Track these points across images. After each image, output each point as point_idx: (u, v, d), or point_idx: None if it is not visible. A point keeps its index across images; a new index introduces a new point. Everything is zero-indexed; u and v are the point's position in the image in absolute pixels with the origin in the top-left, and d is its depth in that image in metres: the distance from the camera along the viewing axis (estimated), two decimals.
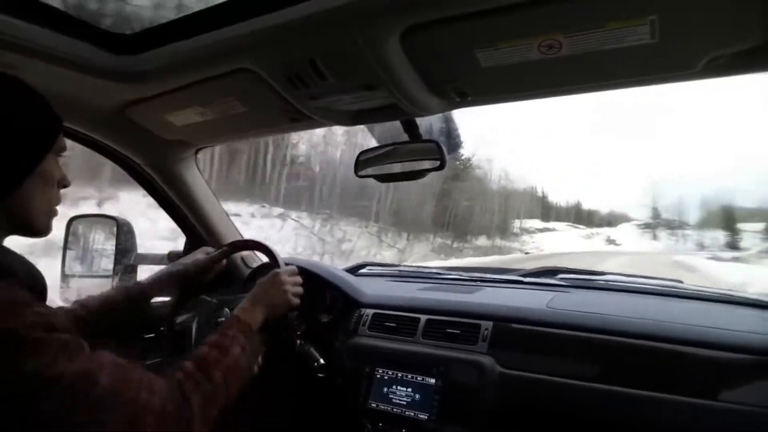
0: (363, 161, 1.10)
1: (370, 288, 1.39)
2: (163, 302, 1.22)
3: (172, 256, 1.55)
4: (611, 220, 71.28)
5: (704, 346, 0.90)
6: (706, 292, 1.22)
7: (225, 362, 0.78)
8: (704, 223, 60.11)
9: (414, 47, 0.72)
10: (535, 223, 49.56)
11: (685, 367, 0.90)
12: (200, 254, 1.20)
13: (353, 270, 1.69)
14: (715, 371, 0.88)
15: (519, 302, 1.19)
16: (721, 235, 54.78)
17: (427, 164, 1.02)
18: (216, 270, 1.20)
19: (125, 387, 0.60)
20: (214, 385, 0.74)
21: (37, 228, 0.68)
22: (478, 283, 1.44)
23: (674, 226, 59.07)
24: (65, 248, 1.41)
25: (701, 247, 50.49)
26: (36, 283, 0.65)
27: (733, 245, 51.42)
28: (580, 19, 0.62)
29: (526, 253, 32.26)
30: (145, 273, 1.49)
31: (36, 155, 0.65)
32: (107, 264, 1.44)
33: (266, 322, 0.93)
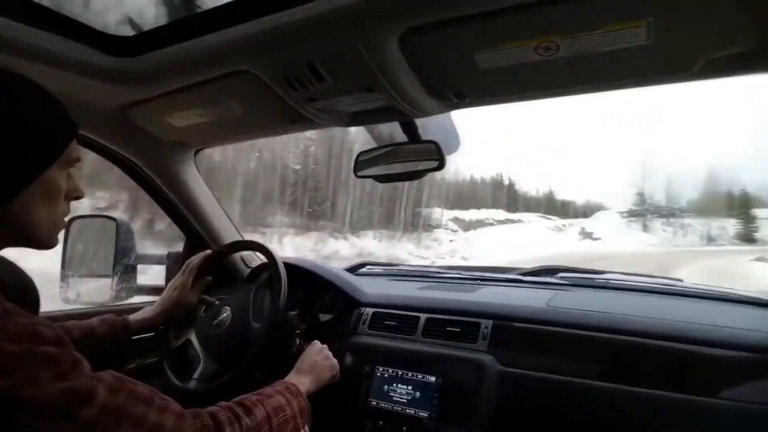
0: (362, 162, 1.10)
1: (370, 287, 1.40)
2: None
3: (171, 257, 1.55)
4: (586, 211, 60.61)
5: (705, 344, 0.91)
6: (706, 290, 1.22)
7: (268, 404, 0.73)
8: (704, 210, 48.68)
9: (412, 49, 0.72)
10: (496, 214, 41.99)
11: (686, 365, 0.91)
12: (171, 290, 1.12)
13: (353, 269, 1.70)
14: (715, 369, 0.88)
15: (519, 301, 1.19)
16: (730, 225, 44.30)
17: (425, 165, 1.02)
18: (194, 293, 1.15)
19: (128, 404, 0.54)
20: (257, 422, 0.68)
21: (39, 240, 0.63)
22: (478, 281, 1.45)
23: (667, 213, 47.13)
24: (65, 248, 1.41)
25: (708, 239, 41.97)
26: (26, 295, 0.60)
27: (747, 236, 42.40)
28: (577, 21, 0.62)
29: None
30: (145, 272, 1.51)
31: (36, 166, 0.59)
32: (107, 264, 1.44)
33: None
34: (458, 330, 1.13)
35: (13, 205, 0.58)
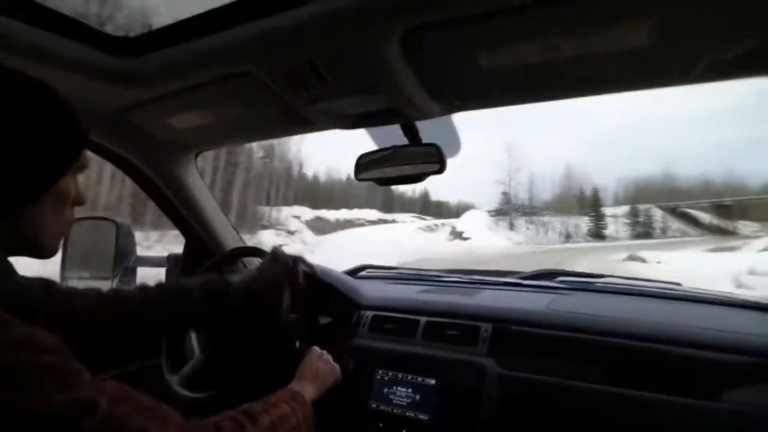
0: (362, 164, 1.10)
1: (369, 290, 1.39)
2: None
3: (172, 259, 1.55)
4: (458, 210, 61.99)
5: (704, 347, 0.91)
6: (705, 294, 1.22)
7: (273, 412, 0.72)
8: (561, 208, 51.07)
9: (413, 50, 0.72)
10: (369, 214, 41.06)
11: (685, 369, 0.90)
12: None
13: (353, 272, 1.70)
14: (715, 373, 0.88)
15: (519, 304, 1.19)
16: (583, 222, 47.77)
17: (426, 168, 1.02)
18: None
19: (130, 415, 0.51)
20: (262, 430, 0.67)
21: (45, 250, 0.60)
22: (478, 285, 1.45)
23: (529, 211, 48.33)
24: (65, 250, 1.41)
25: (566, 237, 44.39)
26: (24, 304, 0.57)
27: (597, 233, 46.23)
28: (580, 22, 0.62)
29: None
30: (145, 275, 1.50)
31: (52, 174, 0.57)
32: (106, 266, 1.44)
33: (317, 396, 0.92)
34: (458, 333, 1.13)
35: (23, 214, 0.55)
